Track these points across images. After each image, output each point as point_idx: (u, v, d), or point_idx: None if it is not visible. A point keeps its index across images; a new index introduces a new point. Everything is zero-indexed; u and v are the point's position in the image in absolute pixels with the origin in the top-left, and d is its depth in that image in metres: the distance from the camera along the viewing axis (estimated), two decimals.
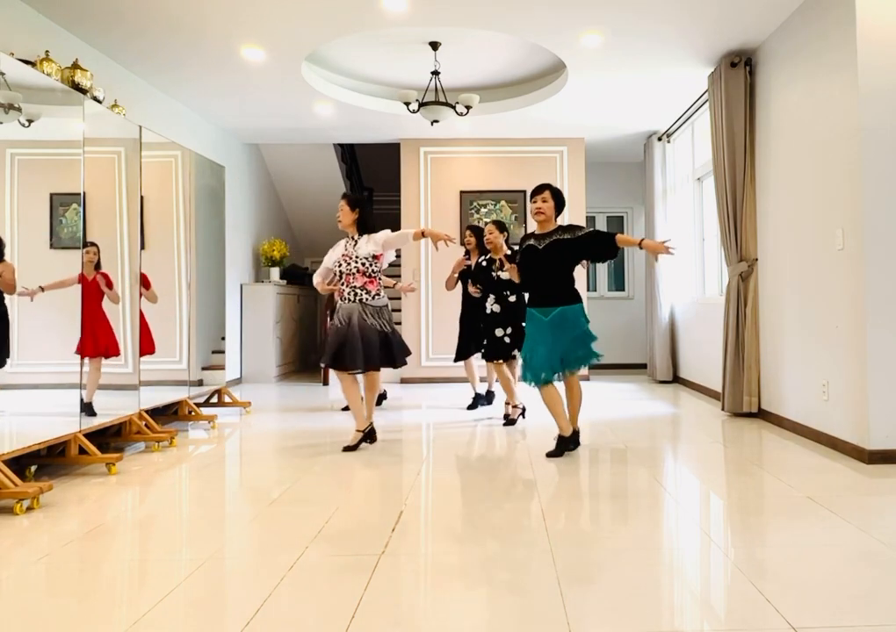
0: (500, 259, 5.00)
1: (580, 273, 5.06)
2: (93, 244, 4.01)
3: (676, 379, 7.68)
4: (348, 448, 4.29)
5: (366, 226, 4.41)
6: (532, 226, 4.46)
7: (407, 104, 5.66)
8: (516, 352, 5.06)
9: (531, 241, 4.12)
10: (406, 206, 8.15)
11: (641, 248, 3.98)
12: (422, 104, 5.74)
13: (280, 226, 9.85)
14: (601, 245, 3.97)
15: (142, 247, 4.76)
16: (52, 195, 3.92)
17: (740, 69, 5.31)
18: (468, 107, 5.72)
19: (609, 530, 2.78)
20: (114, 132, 4.52)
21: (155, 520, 3.02)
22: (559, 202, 4.11)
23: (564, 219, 7.95)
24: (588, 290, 8.58)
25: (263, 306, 8.21)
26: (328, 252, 4.59)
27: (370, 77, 6.60)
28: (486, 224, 5.60)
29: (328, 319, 8.08)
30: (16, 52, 3.77)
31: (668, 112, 7.05)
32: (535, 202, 4.09)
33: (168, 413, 5.26)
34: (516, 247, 4.74)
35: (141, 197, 4.74)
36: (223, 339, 6.46)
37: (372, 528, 2.80)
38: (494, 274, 5.18)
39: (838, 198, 4.08)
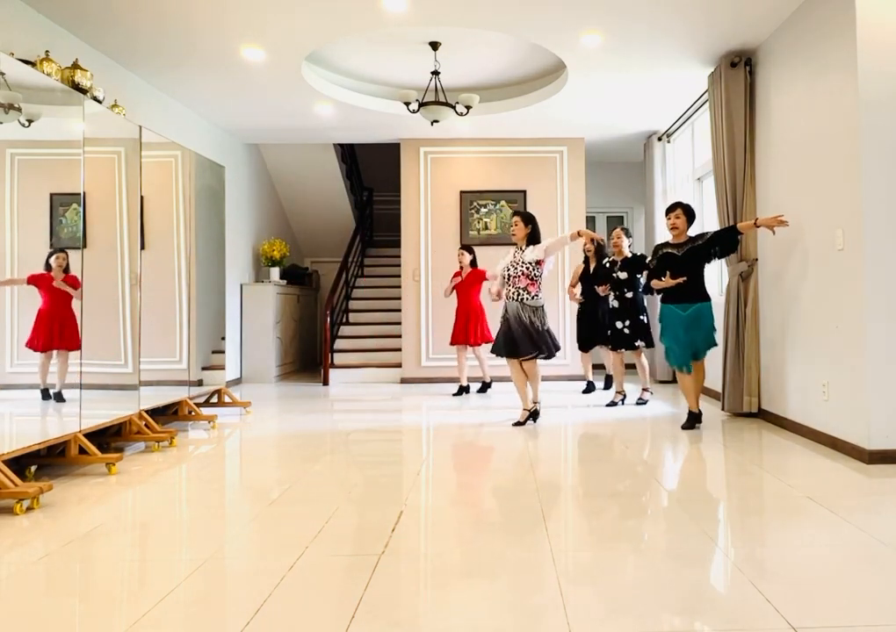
0: (620, 260, 6.02)
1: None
2: (62, 250, 3.98)
3: (677, 379, 7.67)
4: (517, 424, 5.05)
5: (535, 239, 5.12)
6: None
7: (407, 104, 5.66)
8: (638, 343, 5.93)
9: (668, 249, 4.89)
10: (406, 206, 8.15)
11: (758, 226, 4.65)
12: (422, 104, 5.74)
13: (280, 226, 9.85)
14: (725, 239, 4.74)
15: (142, 247, 4.76)
16: (52, 195, 3.92)
17: (740, 69, 5.31)
18: (468, 107, 5.72)
19: (609, 530, 2.78)
20: (114, 132, 4.52)
21: (155, 520, 3.02)
22: (689, 217, 4.89)
23: (565, 221, 8.00)
24: None
25: (263, 306, 8.21)
26: (499, 261, 5.35)
27: (370, 77, 6.60)
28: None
29: (328, 318, 8.09)
30: (16, 52, 3.77)
31: (668, 112, 7.05)
32: (670, 218, 4.90)
33: (168, 413, 5.25)
34: (636, 253, 6.10)
35: (141, 197, 4.74)
36: (223, 339, 6.46)
37: (372, 528, 2.80)
38: (614, 274, 5.98)
39: (838, 198, 4.08)
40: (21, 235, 3.64)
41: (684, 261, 4.77)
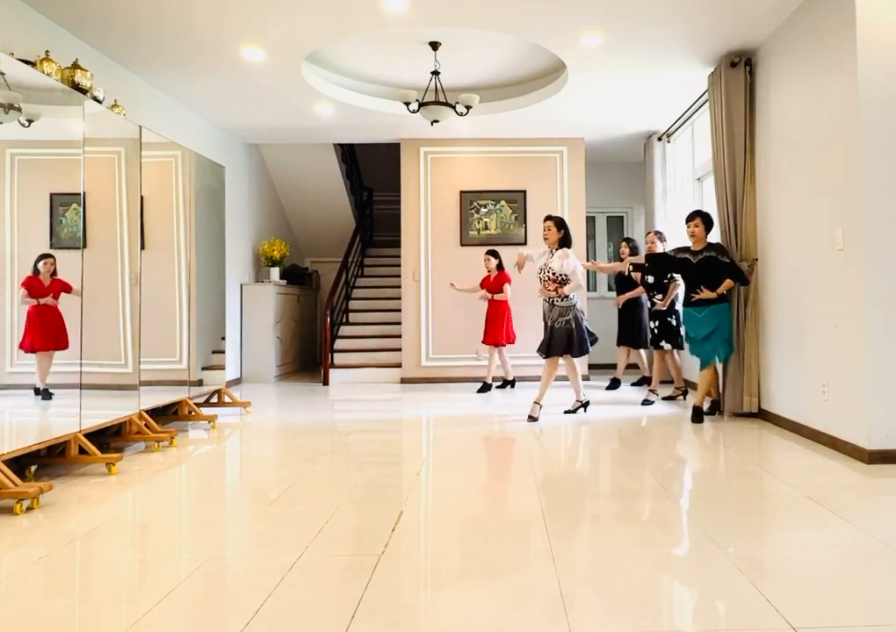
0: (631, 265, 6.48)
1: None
2: (50, 256, 3.98)
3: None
4: (531, 419, 5.27)
5: (567, 243, 5.36)
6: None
7: (407, 104, 5.66)
8: (664, 344, 6.16)
9: (686, 255, 5.20)
10: (406, 206, 8.15)
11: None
12: (422, 104, 5.74)
13: (280, 226, 9.85)
14: (737, 276, 5.09)
15: (142, 247, 4.76)
16: (52, 195, 3.92)
17: (740, 69, 5.31)
18: (468, 107, 5.72)
19: (609, 530, 2.78)
20: (114, 132, 4.52)
21: (155, 520, 3.02)
22: (707, 225, 5.21)
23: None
24: (588, 290, 8.59)
25: (263, 306, 8.21)
26: (536, 250, 5.65)
27: (370, 77, 6.60)
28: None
29: (328, 318, 8.09)
30: (16, 52, 3.77)
31: (668, 112, 7.05)
32: (689, 227, 5.21)
33: (168, 413, 5.25)
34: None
35: (141, 197, 4.74)
36: (223, 339, 6.46)
37: (372, 528, 2.80)
38: (645, 278, 6.27)
39: (838, 198, 4.08)
40: (21, 235, 3.64)
41: (699, 267, 5.09)
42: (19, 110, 3.58)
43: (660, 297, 6.16)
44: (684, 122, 7.11)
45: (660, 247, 6.31)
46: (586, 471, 3.88)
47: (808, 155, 4.47)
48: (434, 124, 5.99)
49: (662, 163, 7.92)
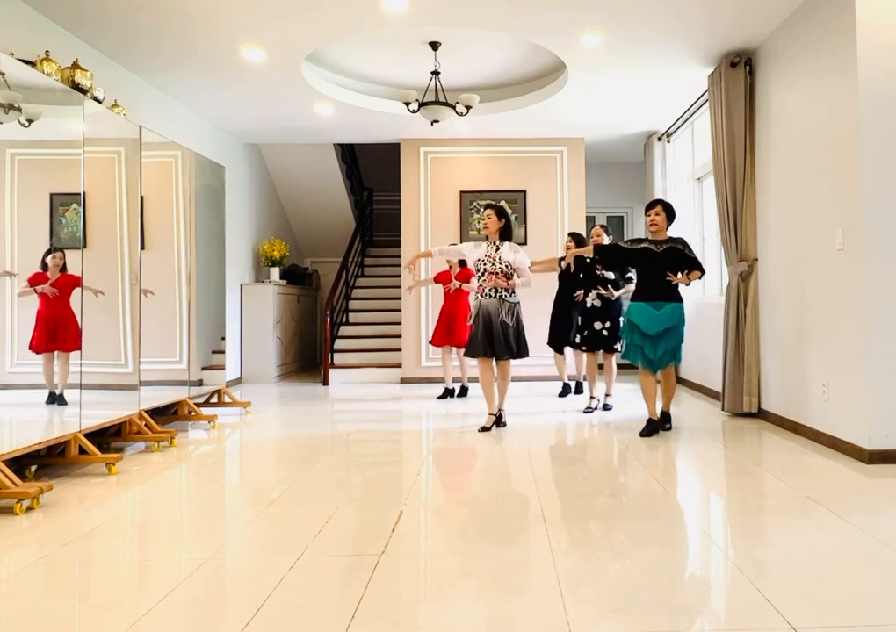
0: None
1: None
2: (59, 250, 3.97)
3: (677, 379, 7.67)
4: (484, 429, 4.87)
5: (508, 235, 5.00)
6: None
7: (407, 104, 5.65)
8: (617, 346, 5.64)
9: (646, 244, 4.69)
10: (406, 206, 8.15)
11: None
12: (422, 104, 5.74)
13: (280, 226, 9.85)
14: (698, 269, 4.65)
15: (142, 247, 4.76)
16: (52, 195, 3.92)
17: (740, 69, 5.31)
18: (468, 107, 5.72)
19: (609, 530, 2.78)
20: (114, 132, 4.52)
21: (155, 520, 3.02)
22: (669, 215, 4.72)
23: (565, 221, 8.00)
24: None
25: (263, 306, 8.21)
26: (461, 245, 5.50)
27: (370, 77, 6.60)
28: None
29: (328, 319, 8.09)
30: (16, 52, 3.77)
31: (668, 112, 7.05)
32: (649, 215, 4.71)
33: (168, 413, 5.25)
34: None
35: (141, 197, 4.74)
36: (223, 339, 6.46)
37: (372, 528, 2.80)
38: (599, 273, 5.72)
39: (838, 198, 4.08)
40: (21, 235, 3.64)
41: (661, 258, 4.62)
42: (19, 110, 3.58)
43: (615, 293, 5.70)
44: (684, 122, 7.11)
45: (606, 241, 5.73)
46: (586, 471, 3.88)
47: (808, 155, 4.47)
48: (434, 124, 5.99)
49: (662, 163, 7.92)
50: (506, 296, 4.88)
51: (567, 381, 6.71)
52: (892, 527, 2.71)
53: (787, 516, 2.91)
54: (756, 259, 5.27)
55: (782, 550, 2.50)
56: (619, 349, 5.54)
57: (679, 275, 4.61)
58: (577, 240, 6.26)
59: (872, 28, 3.83)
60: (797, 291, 4.64)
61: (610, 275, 5.68)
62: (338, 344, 8.54)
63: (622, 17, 4.75)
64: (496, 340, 4.80)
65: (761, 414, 5.22)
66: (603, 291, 5.67)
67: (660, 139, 7.86)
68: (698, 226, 7.22)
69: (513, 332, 4.87)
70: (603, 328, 5.68)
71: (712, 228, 6.61)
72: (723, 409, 5.42)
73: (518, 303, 4.96)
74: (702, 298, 7.00)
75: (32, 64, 3.80)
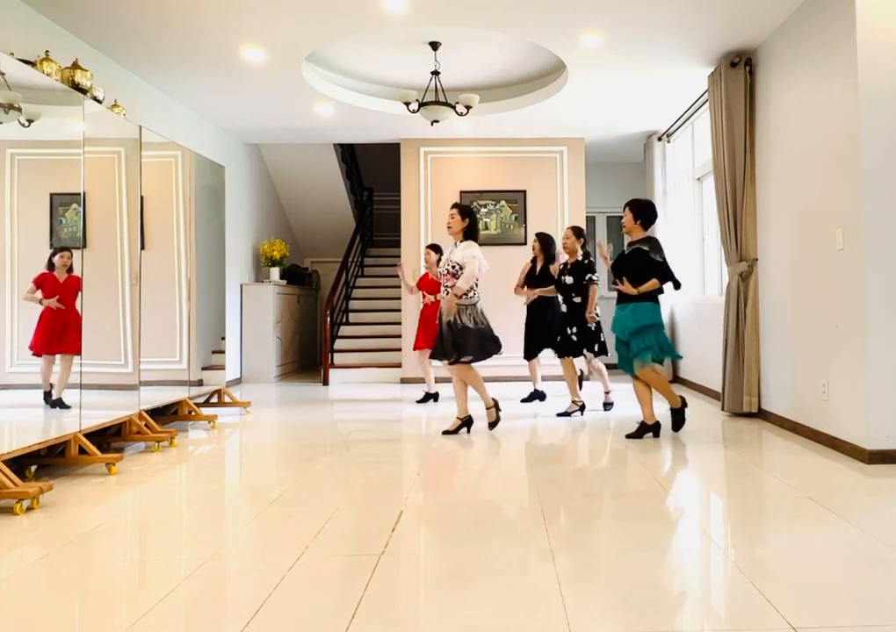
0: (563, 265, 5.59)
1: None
2: (67, 249, 3.96)
3: (676, 379, 7.69)
4: (447, 433, 4.78)
5: (471, 234, 4.78)
6: None
7: (407, 104, 5.65)
8: (586, 352, 5.50)
9: (624, 248, 4.68)
10: (406, 206, 8.15)
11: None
12: (422, 104, 5.74)
13: (280, 226, 9.85)
14: (666, 277, 4.50)
15: (142, 247, 4.76)
16: (52, 195, 3.92)
17: (740, 69, 5.31)
18: (468, 107, 5.72)
19: (609, 530, 2.78)
20: (114, 132, 4.52)
21: (155, 520, 3.02)
22: (636, 214, 4.67)
23: (565, 221, 8.00)
24: None
25: (263, 306, 8.21)
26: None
27: (370, 77, 6.60)
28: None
29: (328, 318, 8.09)
30: (16, 52, 3.77)
31: (668, 112, 7.05)
32: (622, 218, 4.69)
33: (168, 413, 5.25)
34: (591, 258, 5.58)
35: (141, 197, 4.74)
36: (223, 339, 6.46)
37: (372, 528, 2.80)
38: (562, 278, 5.53)
39: (838, 198, 4.08)
40: (21, 235, 3.64)
41: (625, 259, 4.58)
42: (19, 110, 3.58)
43: (578, 299, 5.44)
44: (684, 122, 7.11)
45: (579, 247, 5.55)
46: (586, 471, 3.88)
47: (808, 155, 4.47)
48: (434, 124, 5.99)
49: (662, 163, 7.92)
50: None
51: (537, 388, 6.31)
52: (892, 527, 2.71)
53: (787, 516, 2.90)
54: (756, 259, 5.27)
55: (782, 550, 2.50)
56: (595, 352, 5.51)
57: (625, 281, 4.45)
58: (542, 240, 6.02)
59: (872, 28, 3.84)
60: (797, 291, 4.64)
61: (569, 279, 5.44)
62: (338, 344, 8.54)
63: (622, 17, 4.75)
64: (444, 343, 4.66)
65: (761, 414, 5.22)
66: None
67: (660, 139, 7.86)
68: (698, 226, 7.22)
69: (458, 334, 4.59)
70: (572, 334, 5.47)
71: (712, 228, 6.61)
72: (723, 409, 5.42)
73: (473, 305, 4.66)
74: (702, 298, 7.00)
75: (32, 64, 3.80)
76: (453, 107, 5.80)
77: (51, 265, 3.83)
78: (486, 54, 5.99)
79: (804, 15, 4.50)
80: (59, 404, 3.93)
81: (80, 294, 3.95)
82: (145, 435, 4.45)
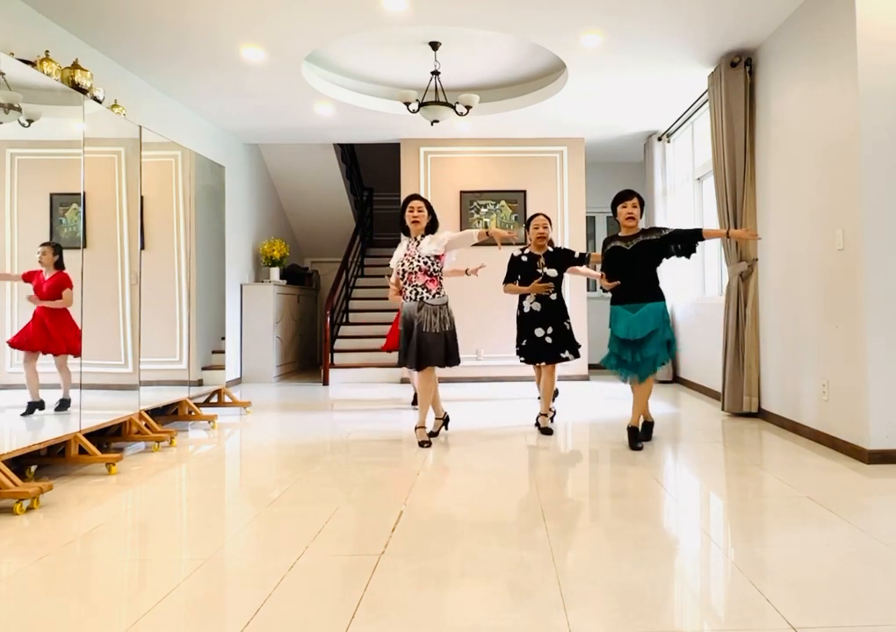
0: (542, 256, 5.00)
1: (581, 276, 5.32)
2: (46, 243, 3.89)
3: (676, 379, 7.69)
4: (433, 434, 4.65)
5: (433, 229, 4.53)
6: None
7: (407, 104, 5.66)
8: (565, 354, 4.88)
9: (617, 243, 4.33)
10: None
11: (729, 238, 4.55)
12: (422, 104, 5.74)
13: (280, 226, 9.85)
14: (685, 240, 4.24)
15: (142, 248, 4.76)
16: (52, 195, 3.92)
17: (740, 69, 5.31)
18: (468, 107, 5.72)
19: (609, 530, 2.78)
20: (114, 132, 4.52)
21: (155, 520, 3.02)
22: (643, 207, 4.41)
23: (565, 221, 8.00)
24: (587, 289, 8.58)
25: (263, 306, 8.21)
26: (393, 254, 4.67)
27: (370, 77, 6.60)
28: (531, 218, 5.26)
29: (328, 318, 8.09)
30: (16, 52, 3.78)
31: (668, 112, 7.05)
32: (626, 207, 4.31)
33: (168, 413, 5.26)
34: (561, 247, 5.22)
35: (141, 197, 4.74)
36: (223, 339, 6.46)
37: (372, 528, 2.80)
38: (539, 270, 4.94)
39: (838, 198, 4.08)
40: (21, 235, 3.64)
41: (633, 255, 4.25)
42: (19, 110, 3.58)
43: (555, 296, 4.94)
44: (684, 122, 7.11)
45: (550, 233, 5.11)
46: (586, 471, 3.88)
47: (808, 155, 4.47)
48: (434, 124, 5.99)
49: (662, 163, 7.92)
50: (427, 298, 4.37)
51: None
52: (892, 527, 2.71)
53: (787, 516, 2.91)
54: (756, 259, 5.27)
55: (782, 550, 2.50)
56: (569, 358, 4.92)
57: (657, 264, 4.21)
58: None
59: (872, 28, 3.84)
60: (797, 291, 4.64)
61: (553, 272, 4.93)
62: (338, 344, 8.54)
63: (622, 16, 4.75)
64: (427, 348, 4.32)
65: (761, 414, 5.22)
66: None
67: (660, 139, 7.86)
68: (698, 226, 7.22)
69: (442, 337, 4.35)
70: (546, 335, 4.89)
71: (712, 228, 6.60)
72: (723, 409, 5.42)
73: (445, 305, 4.42)
74: (702, 298, 7.00)
75: (32, 64, 3.80)
76: (453, 107, 5.80)
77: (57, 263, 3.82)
78: (486, 54, 5.99)
79: (804, 15, 4.50)
80: (65, 404, 3.93)
81: (69, 291, 3.90)
82: (145, 435, 4.45)
